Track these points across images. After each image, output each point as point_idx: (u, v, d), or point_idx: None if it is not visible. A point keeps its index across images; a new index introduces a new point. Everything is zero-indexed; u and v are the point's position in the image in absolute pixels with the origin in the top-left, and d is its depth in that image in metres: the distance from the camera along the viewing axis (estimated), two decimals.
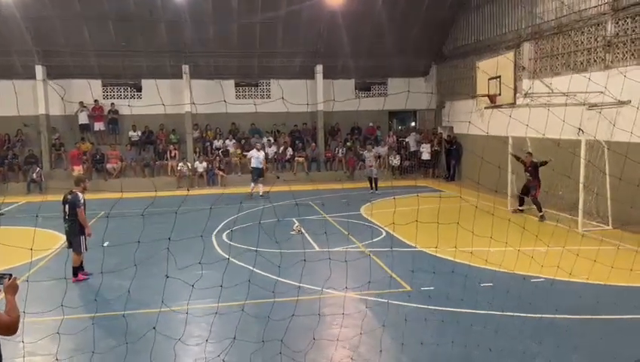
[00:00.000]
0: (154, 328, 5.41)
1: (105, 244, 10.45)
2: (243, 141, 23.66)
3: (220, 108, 23.27)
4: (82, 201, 9.19)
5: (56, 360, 5.10)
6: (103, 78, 23.09)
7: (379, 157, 22.06)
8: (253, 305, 7.49)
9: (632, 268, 8.18)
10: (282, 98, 20.27)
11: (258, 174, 18.44)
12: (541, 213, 13.69)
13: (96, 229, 13.29)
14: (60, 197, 9.42)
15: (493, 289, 8.24)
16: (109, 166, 21.88)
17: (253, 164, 18.53)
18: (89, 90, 22.33)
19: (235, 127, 24.13)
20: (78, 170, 20.89)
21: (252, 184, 18.53)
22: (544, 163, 13.49)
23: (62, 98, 21.55)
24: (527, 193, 14.13)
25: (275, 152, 23.25)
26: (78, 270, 9.26)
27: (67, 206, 9.17)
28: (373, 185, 19.38)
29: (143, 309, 7.54)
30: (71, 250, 9.28)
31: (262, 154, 18.91)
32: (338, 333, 6.47)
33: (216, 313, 6.57)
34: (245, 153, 23.12)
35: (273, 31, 21.97)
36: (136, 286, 8.83)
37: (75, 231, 9.16)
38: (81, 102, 22.33)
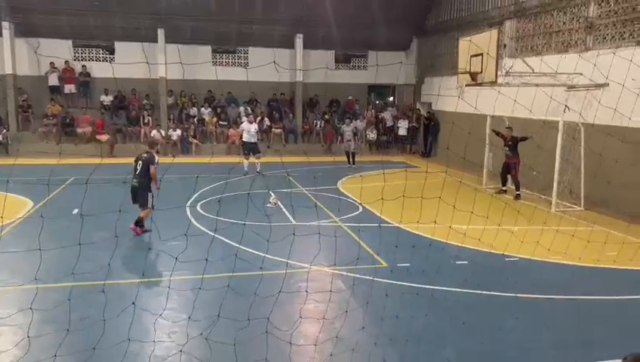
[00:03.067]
0: (133, 303, 5.25)
1: (74, 212, 10.19)
2: (219, 110, 23.21)
3: (196, 75, 22.79)
4: (157, 161, 9.94)
5: (27, 337, 4.90)
6: (74, 39, 22.20)
7: (356, 132, 21.89)
8: (226, 278, 7.36)
9: (606, 249, 8.33)
10: (274, 63, 19.70)
11: (249, 148, 16.89)
12: (518, 192, 13.83)
13: (66, 196, 12.97)
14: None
15: (467, 267, 8.30)
16: (79, 130, 21.22)
17: (245, 137, 16.93)
18: (59, 51, 21.45)
19: (211, 94, 23.61)
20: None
21: (245, 162, 16.75)
22: (524, 138, 13.55)
23: (35, 51, 20.65)
24: (508, 172, 14.21)
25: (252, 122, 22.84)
26: (140, 223, 9.82)
27: (140, 163, 9.81)
28: (351, 159, 19.29)
29: (117, 280, 7.35)
30: (137, 205, 9.87)
31: (254, 126, 17.30)
32: (311, 308, 6.43)
33: (199, 288, 6.44)
34: (222, 122, 22.75)
35: None
36: (108, 257, 8.62)
37: (145, 187, 9.76)
38: (51, 63, 21.50)
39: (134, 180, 9.82)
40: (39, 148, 19.68)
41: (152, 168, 9.71)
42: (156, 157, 9.98)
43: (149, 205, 9.78)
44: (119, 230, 8.80)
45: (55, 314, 6.03)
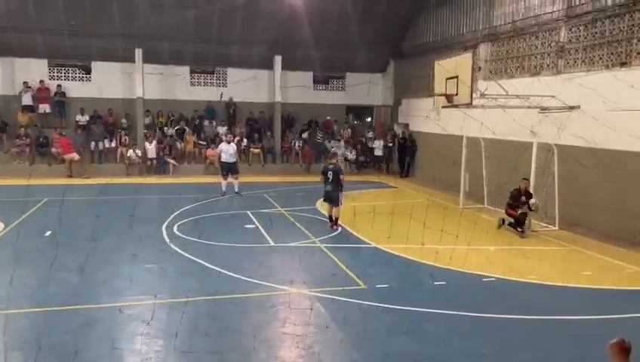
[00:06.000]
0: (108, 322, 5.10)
1: (47, 234, 9.96)
2: (197, 122, 23.10)
3: (174, 95, 22.77)
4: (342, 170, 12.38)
5: None
6: (50, 58, 21.95)
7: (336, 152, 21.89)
8: (203, 301, 7.25)
9: (580, 269, 8.44)
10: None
11: (228, 169, 16.68)
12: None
13: (39, 217, 12.68)
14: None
15: (445, 288, 8.32)
16: (53, 150, 20.84)
17: (223, 158, 16.69)
18: (34, 70, 21.23)
19: (188, 115, 23.48)
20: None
21: (223, 182, 16.55)
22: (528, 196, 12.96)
23: None
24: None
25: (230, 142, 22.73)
26: (335, 222, 12.03)
27: (331, 173, 11.97)
28: None
29: (85, 304, 7.16)
30: (328, 204, 12.25)
31: (232, 146, 17.06)
32: (289, 331, 6.35)
33: (180, 309, 6.31)
34: (201, 142, 22.61)
35: (232, 19, 21.47)
36: (79, 279, 8.42)
37: (337, 191, 11.96)
38: (25, 83, 21.18)
39: (328, 186, 12.00)
40: (11, 168, 19.33)
41: (341, 177, 12.01)
42: (341, 167, 12.45)
43: (340, 203, 12.08)
44: (92, 252, 8.62)
45: (23, 339, 5.85)
